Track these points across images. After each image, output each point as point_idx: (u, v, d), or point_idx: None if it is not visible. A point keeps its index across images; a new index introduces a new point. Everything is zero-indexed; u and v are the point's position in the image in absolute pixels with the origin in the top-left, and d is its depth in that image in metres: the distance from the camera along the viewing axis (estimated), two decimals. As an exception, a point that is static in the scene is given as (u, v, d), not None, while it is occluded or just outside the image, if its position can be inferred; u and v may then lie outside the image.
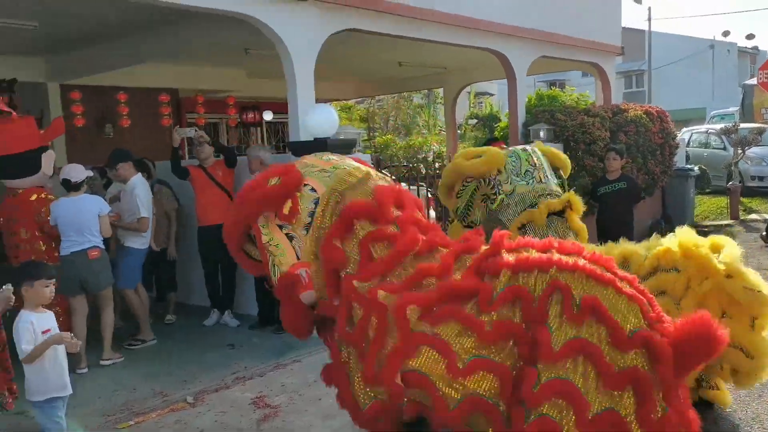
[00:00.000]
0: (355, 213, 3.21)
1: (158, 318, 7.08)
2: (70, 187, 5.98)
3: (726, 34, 33.28)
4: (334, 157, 3.67)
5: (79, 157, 7.80)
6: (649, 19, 29.73)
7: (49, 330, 3.82)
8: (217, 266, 7.00)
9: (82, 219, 5.87)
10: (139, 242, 6.36)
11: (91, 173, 6.31)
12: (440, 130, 22.64)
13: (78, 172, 6.03)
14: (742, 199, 12.98)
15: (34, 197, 5.93)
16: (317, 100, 6.76)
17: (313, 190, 3.33)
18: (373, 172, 3.56)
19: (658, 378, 2.63)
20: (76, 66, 8.92)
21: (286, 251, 3.26)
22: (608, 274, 2.79)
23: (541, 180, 4.80)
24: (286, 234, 3.29)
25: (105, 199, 6.28)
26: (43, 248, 5.93)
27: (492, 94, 28.38)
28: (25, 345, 3.67)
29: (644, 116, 10.23)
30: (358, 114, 22.79)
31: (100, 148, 8.44)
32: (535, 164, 4.85)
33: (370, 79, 13.57)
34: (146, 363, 5.98)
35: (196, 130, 7.31)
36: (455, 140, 14.00)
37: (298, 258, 3.27)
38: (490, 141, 8.01)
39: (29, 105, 8.81)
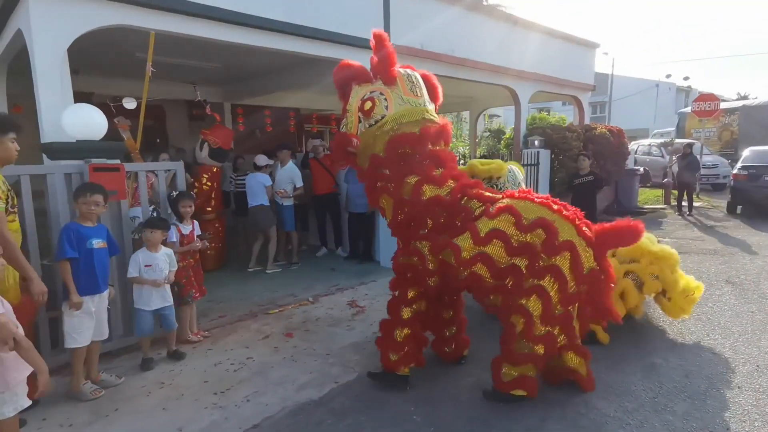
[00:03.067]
0: (399, 143, 3.09)
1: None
2: (255, 168, 6.39)
3: (668, 76, 31.10)
4: (416, 87, 3.25)
5: (240, 150, 8.10)
6: (612, 66, 28.26)
7: (151, 265, 3.59)
8: (325, 218, 7.22)
9: (253, 186, 6.21)
10: (288, 201, 6.51)
11: (271, 162, 6.66)
12: (464, 139, 22.19)
13: (262, 160, 6.44)
14: (672, 191, 12.40)
15: (216, 170, 6.37)
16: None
17: (386, 107, 3.15)
18: (432, 115, 3.24)
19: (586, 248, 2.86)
20: (241, 92, 9.08)
21: (353, 124, 3.26)
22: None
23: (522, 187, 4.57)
24: (359, 116, 3.24)
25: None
26: (213, 197, 6.38)
27: (499, 116, 27.52)
28: (131, 270, 3.57)
29: (607, 132, 9.86)
30: (411, 127, 22.47)
31: (253, 145, 8.67)
32: (520, 178, 4.63)
33: (421, 104, 13.41)
34: (284, 276, 6.22)
35: (321, 142, 7.59)
36: (475, 146, 13.79)
37: (357, 132, 3.26)
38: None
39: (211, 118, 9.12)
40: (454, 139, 22.93)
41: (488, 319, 4.32)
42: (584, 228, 2.96)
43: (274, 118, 10.23)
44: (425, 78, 3.42)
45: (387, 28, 6.21)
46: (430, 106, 3.32)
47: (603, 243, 2.91)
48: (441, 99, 3.49)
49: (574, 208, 3.11)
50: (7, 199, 2.80)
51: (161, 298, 3.69)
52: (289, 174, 6.53)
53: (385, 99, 3.16)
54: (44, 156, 3.82)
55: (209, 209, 6.29)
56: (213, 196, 6.33)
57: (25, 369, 2.17)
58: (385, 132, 3.14)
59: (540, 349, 2.90)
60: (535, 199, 3.08)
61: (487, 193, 3.20)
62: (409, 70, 3.33)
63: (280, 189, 6.40)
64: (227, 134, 6.53)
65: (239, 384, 3.41)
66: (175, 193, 4.25)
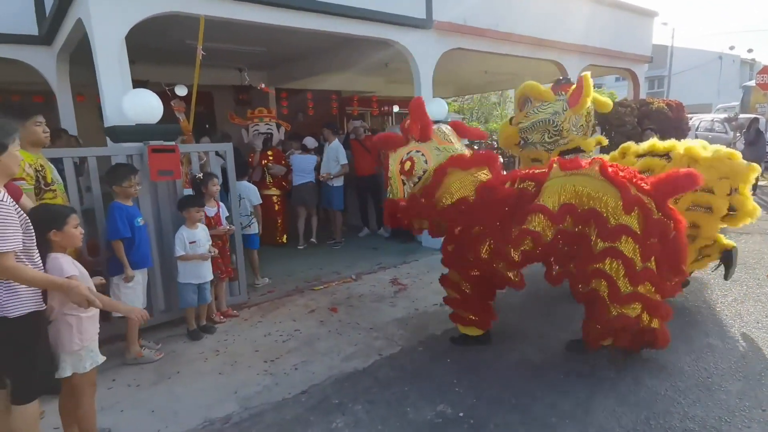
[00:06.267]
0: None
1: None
2: (305, 149, 6.65)
3: (732, 48, 28.85)
4: (449, 136, 3.56)
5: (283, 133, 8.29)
6: (672, 37, 26.51)
7: (195, 242, 3.77)
8: (366, 199, 7.31)
9: (304, 166, 6.48)
10: (338, 182, 6.67)
11: (316, 144, 6.88)
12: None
13: (311, 142, 6.69)
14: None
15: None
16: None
17: (426, 162, 3.37)
18: (466, 152, 3.54)
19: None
20: (284, 76, 9.23)
21: (398, 188, 3.45)
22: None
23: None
24: (402, 180, 3.44)
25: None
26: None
27: (546, 94, 26.61)
28: (178, 248, 3.75)
29: (665, 107, 9.34)
30: (453, 108, 22.20)
31: (295, 127, 8.85)
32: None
33: (463, 83, 13.15)
34: (328, 254, 6.39)
35: (362, 123, 7.65)
36: (520, 125, 13.43)
37: (403, 195, 3.45)
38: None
39: (257, 102, 9.35)
40: (499, 120, 22.56)
41: (529, 298, 4.32)
42: (642, 184, 2.97)
43: (316, 101, 10.38)
44: (456, 126, 3.71)
45: (429, 3, 6.12)
46: (466, 150, 3.58)
47: (661, 192, 2.90)
48: (484, 135, 3.79)
49: (628, 168, 3.12)
50: (37, 179, 3.02)
51: (208, 272, 3.91)
52: (334, 151, 6.68)
53: (422, 154, 3.41)
54: (107, 139, 4.10)
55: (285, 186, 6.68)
56: (290, 173, 6.69)
57: (96, 328, 2.41)
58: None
59: (632, 311, 2.91)
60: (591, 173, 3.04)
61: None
62: (439, 125, 3.64)
63: (324, 173, 6.58)
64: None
65: (288, 353, 3.60)
66: (200, 175, 4.32)
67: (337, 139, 6.79)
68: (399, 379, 3.16)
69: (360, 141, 7.05)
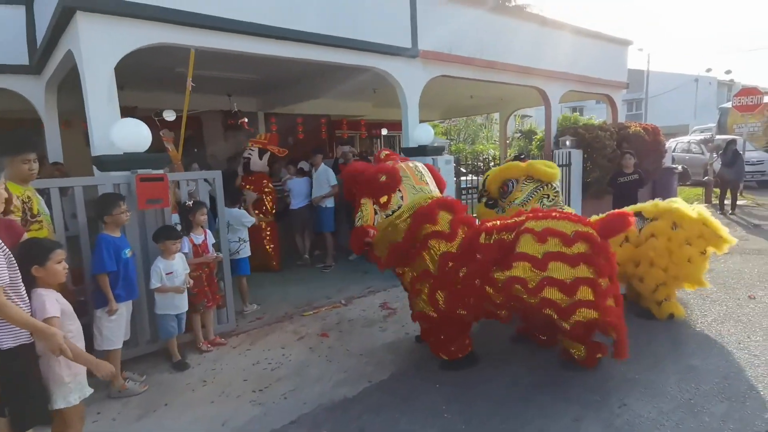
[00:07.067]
0: (421, 218, 3.41)
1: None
2: (300, 173, 6.87)
3: (708, 70, 29.83)
4: (425, 176, 3.67)
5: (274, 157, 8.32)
6: (648, 62, 27.36)
7: (172, 273, 3.71)
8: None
9: (302, 190, 6.63)
10: (329, 202, 6.67)
11: (309, 167, 7.01)
12: (494, 141, 22.06)
13: (305, 166, 6.91)
14: (714, 189, 11.94)
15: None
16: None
17: (401, 198, 3.45)
18: (437, 195, 3.64)
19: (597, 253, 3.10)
20: (274, 101, 9.35)
21: (369, 216, 3.42)
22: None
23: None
24: (374, 208, 3.45)
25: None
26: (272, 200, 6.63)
27: (530, 116, 27.21)
28: (154, 281, 3.67)
29: (642, 131, 9.62)
30: (440, 130, 22.58)
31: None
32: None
33: (450, 106, 13.41)
34: (319, 278, 6.35)
35: (350, 148, 7.72)
36: (506, 148, 13.68)
37: (373, 224, 3.43)
38: (519, 157, 6.34)
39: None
40: (484, 142, 23.00)
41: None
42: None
43: (305, 125, 10.50)
44: (428, 168, 3.83)
45: (414, 33, 6.30)
46: (437, 193, 3.68)
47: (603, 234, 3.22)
48: (446, 183, 3.97)
49: (566, 213, 3.37)
50: (23, 211, 2.98)
51: (185, 302, 3.87)
52: (324, 175, 6.72)
53: (399, 190, 3.49)
54: (94, 168, 4.09)
55: (272, 212, 6.63)
56: (272, 199, 6.67)
57: None
58: (404, 221, 3.43)
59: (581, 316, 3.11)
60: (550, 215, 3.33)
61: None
62: (416, 164, 3.73)
63: (315, 196, 6.63)
64: (276, 141, 6.97)
65: (277, 382, 3.56)
66: (190, 203, 4.32)
67: (324, 163, 6.85)
68: (389, 406, 3.14)
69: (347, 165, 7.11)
